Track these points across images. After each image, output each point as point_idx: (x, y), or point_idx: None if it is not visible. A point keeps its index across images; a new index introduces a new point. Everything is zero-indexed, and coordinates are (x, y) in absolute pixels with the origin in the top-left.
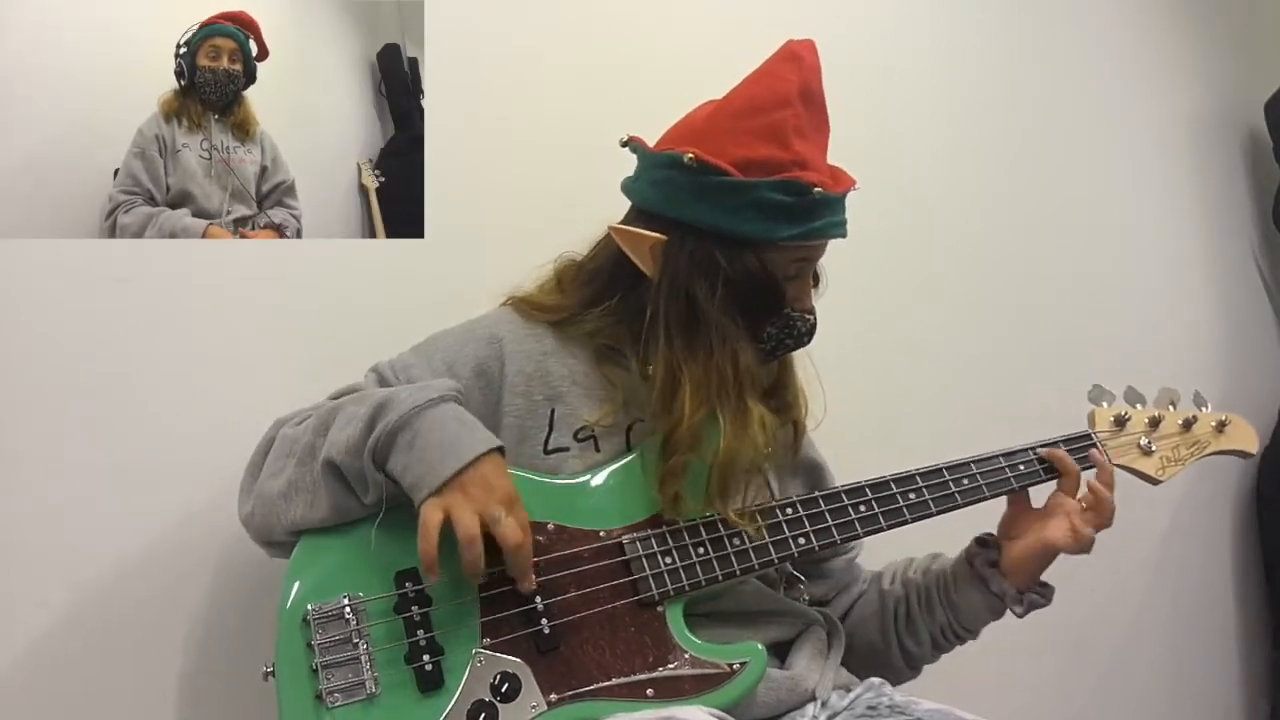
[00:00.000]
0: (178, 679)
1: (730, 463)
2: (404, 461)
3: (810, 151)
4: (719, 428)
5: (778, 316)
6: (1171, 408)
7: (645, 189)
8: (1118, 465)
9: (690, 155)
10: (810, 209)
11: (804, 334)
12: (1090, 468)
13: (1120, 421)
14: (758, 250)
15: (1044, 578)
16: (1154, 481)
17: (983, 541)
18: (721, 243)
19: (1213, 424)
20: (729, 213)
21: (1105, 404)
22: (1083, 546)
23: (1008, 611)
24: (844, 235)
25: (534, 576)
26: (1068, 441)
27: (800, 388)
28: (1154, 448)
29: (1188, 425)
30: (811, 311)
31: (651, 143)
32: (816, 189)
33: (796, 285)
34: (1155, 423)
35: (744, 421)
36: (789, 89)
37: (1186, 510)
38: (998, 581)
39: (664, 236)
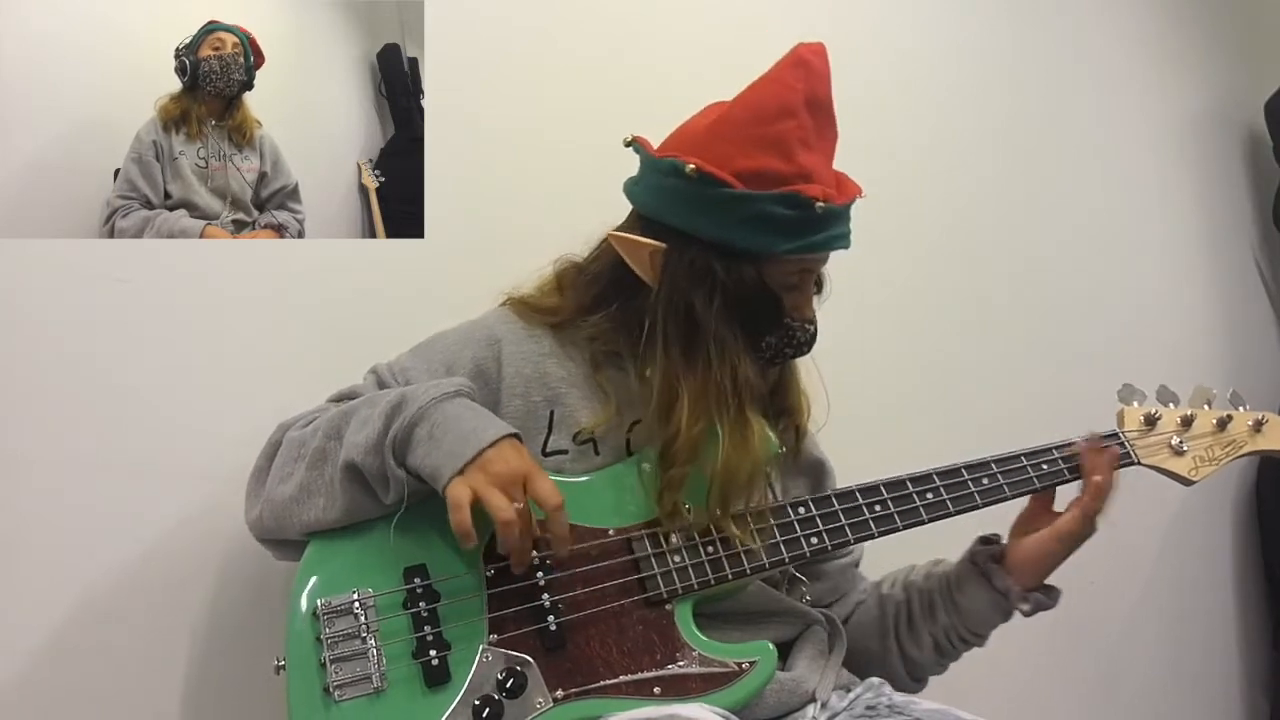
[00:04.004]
0: (184, 676)
1: (730, 476)
2: (424, 452)
3: (815, 162)
4: (718, 440)
5: (777, 326)
6: (1206, 407)
7: (646, 195)
8: (1148, 465)
9: (692, 166)
10: (812, 222)
11: (804, 343)
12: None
13: (1150, 420)
14: (757, 263)
15: (1050, 579)
16: (1187, 482)
17: (986, 540)
18: (721, 254)
19: (1249, 423)
20: (730, 225)
21: (1136, 403)
22: (1086, 526)
23: (1015, 613)
24: (847, 247)
25: (532, 556)
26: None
27: (802, 390)
28: (1186, 447)
29: (1222, 425)
30: (812, 320)
31: (655, 142)
32: (820, 203)
33: (797, 295)
34: (1188, 422)
35: (743, 434)
36: (795, 98)
37: (1186, 509)
38: (1000, 578)
39: (663, 245)
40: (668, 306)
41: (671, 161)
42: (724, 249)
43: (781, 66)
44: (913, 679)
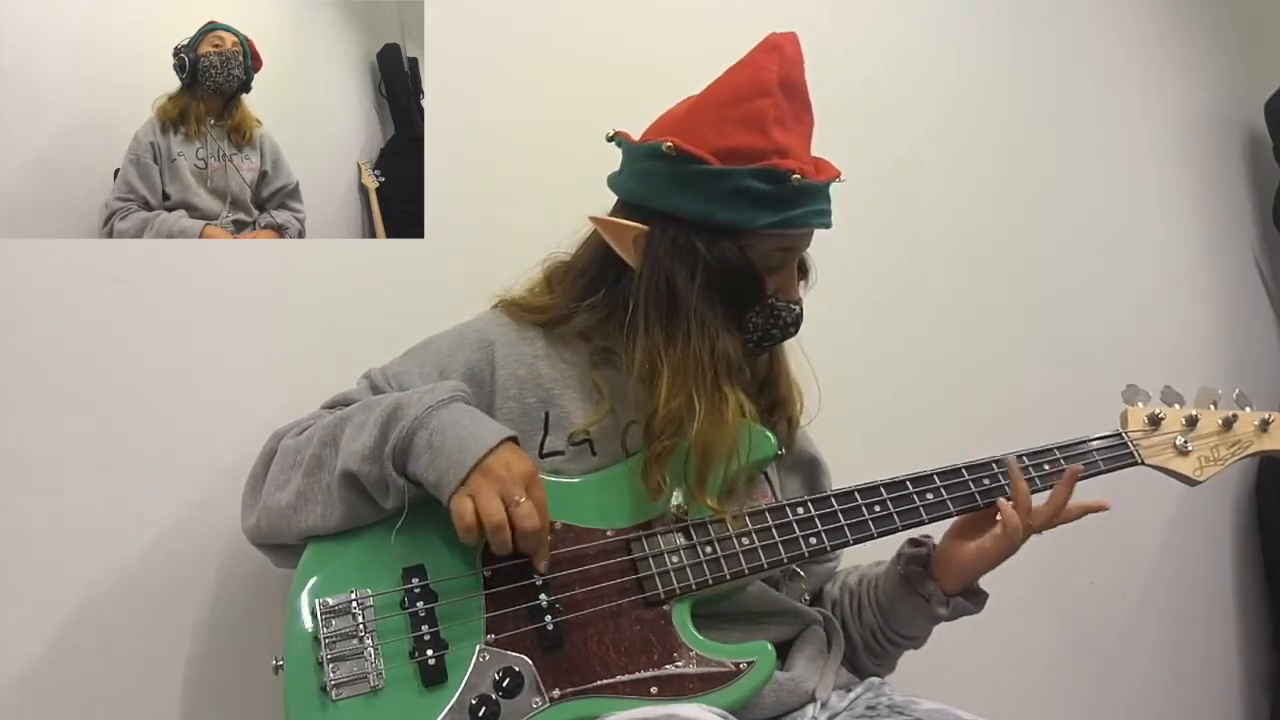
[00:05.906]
0: (184, 676)
1: (706, 449)
2: (426, 461)
3: (791, 141)
4: (695, 414)
5: (761, 306)
6: (1212, 407)
7: (627, 181)
8: (1152, 466)
9: (669, 144)
10: (790, 197)
11: (790, 324)
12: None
13: (1154, 421)
14: (738, 238)
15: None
16: (1192, 482)
17: (916, 542)
18: (702, 231)
19: (1255, 423)
20: (708, 201)
21: (1140, 403)
22: (1009, 536)
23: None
24: (827, 225)
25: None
26: (1098, 440)
27: (794, 382)
28: (1191, 447)
29: (1228, 425)
30: (797, 302)
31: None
32: (795, 176)
33: (781, 275)
34: (1192, 422)
35: (719, 408)
36: (769, 79)
37: (1186, 510)
38: (922, 582)
39: (645, 227)
40: (650, 285)
41: (650, 144)
42: (705, 226)
43: (755, 52)
44: (865, 675)
